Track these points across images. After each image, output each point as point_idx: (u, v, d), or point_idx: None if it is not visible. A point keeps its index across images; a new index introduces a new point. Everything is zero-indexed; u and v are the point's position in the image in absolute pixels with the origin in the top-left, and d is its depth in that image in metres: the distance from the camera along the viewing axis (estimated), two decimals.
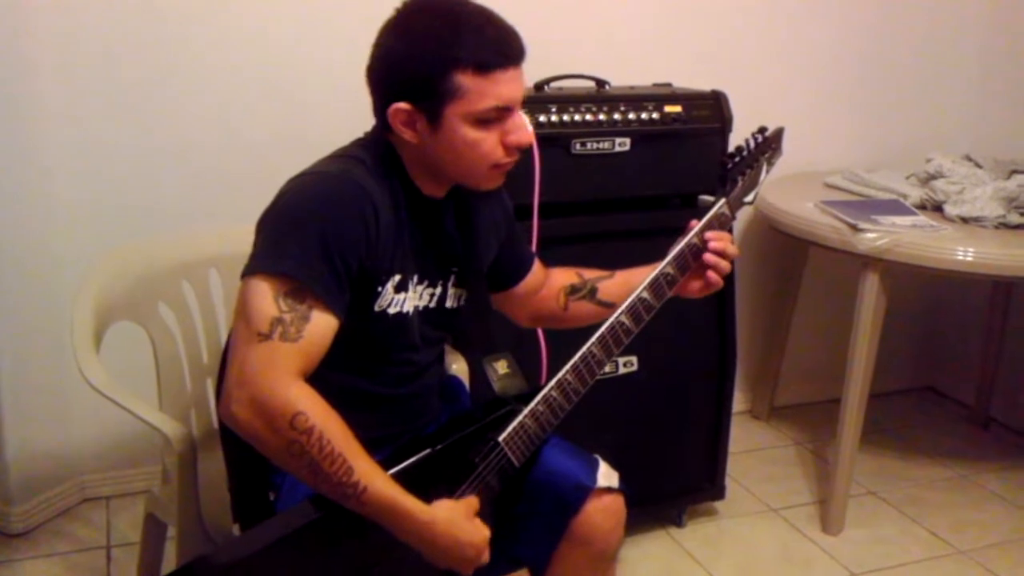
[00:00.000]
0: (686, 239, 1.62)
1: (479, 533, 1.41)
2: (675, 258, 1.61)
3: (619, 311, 1.55)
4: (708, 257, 1.62)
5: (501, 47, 1.41)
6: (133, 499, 2.58)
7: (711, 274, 1.64)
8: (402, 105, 1.42)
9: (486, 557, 1.43)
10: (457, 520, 1.38)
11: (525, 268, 1.77)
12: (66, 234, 2.44)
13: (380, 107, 1.46)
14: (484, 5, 1.45)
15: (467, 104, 1.40)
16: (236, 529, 1.56)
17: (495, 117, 1.43)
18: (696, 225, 1.63)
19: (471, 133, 1.42)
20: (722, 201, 1.66)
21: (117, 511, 2.62)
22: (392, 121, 1.43)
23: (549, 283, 1.80)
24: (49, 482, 2.57)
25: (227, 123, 2.51)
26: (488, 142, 1.44)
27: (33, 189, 2.37)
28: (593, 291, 1.75)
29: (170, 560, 1.86)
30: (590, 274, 1.79)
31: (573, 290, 1.77)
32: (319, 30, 2.52)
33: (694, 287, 1.67)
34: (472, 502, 1.43)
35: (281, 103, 2.54)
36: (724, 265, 1.64)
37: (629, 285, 1.63)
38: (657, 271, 1.59)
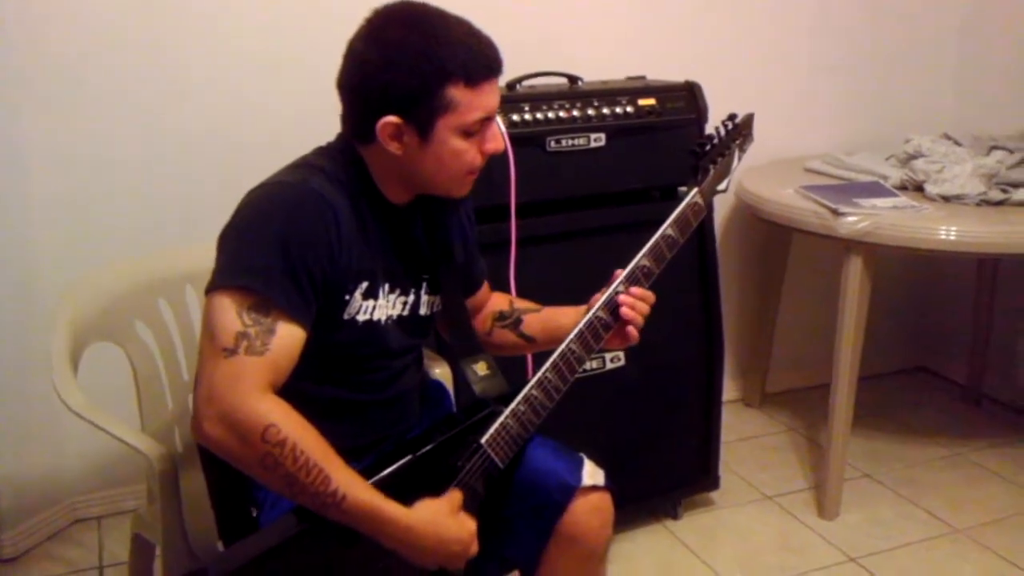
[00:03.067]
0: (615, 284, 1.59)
1: (463, 528, 1.41)
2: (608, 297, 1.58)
3: (597, 306, 1.55)
4: (625, 312, 1.57)
5: (486, 59, 1.42)
6: (124, 518, 2.54)
7: (630, 329, 1.59)
8: (391, 119, 1.41)
9: (474, 549, 1.42)
10: (439, 519, 1.38)
11: (475, 284, 1.77)
12: (50, 257, 2.42)
13: (359, 119, 1.45)
14: (458, 16, 1.44)
15: (458, 117, 1.41)
16: (221, 546, 1.55)
17: (479, 128, 1.44)
18: (618, 277, 1.59)
19: (458, 144, 1.44)
20: (695, 191, 1.65)
21: (108, 531, 2.60)
22: (380, 134, 1.42)
23: (486, 307, 1.79)
24: (39, 505, 2.55)
25: (211, 136, 2.50)
26: (471, 151, 1.46)
27: (16, 215, 2.36)
28: (517, 322, 1.74)
29: None
30: (520, 304, 1.79)
31: (501, 317, 1.76)
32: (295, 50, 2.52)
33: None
34: (454, 497, 1.42)
35: (265, 116, 2.53)
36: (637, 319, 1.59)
37: (552, 322, 1.68)
38: (608, 292, 1.58)
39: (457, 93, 1.39)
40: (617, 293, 1.56)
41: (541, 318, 1.73)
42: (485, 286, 1.80)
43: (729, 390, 3.16)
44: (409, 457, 1.44)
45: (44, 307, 2.35)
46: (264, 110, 2.53)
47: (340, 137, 1.53)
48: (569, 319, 1.62)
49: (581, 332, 1.54)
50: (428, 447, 1.46)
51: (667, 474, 2.59)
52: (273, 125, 2.49)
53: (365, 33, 1.43)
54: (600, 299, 1.57)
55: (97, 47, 2.36)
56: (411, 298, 1.57)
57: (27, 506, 2.52)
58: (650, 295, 1.60)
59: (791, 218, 2.57)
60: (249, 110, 2.52)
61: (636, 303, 1.57)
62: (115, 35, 2.37)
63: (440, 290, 1.62)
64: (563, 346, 1.53)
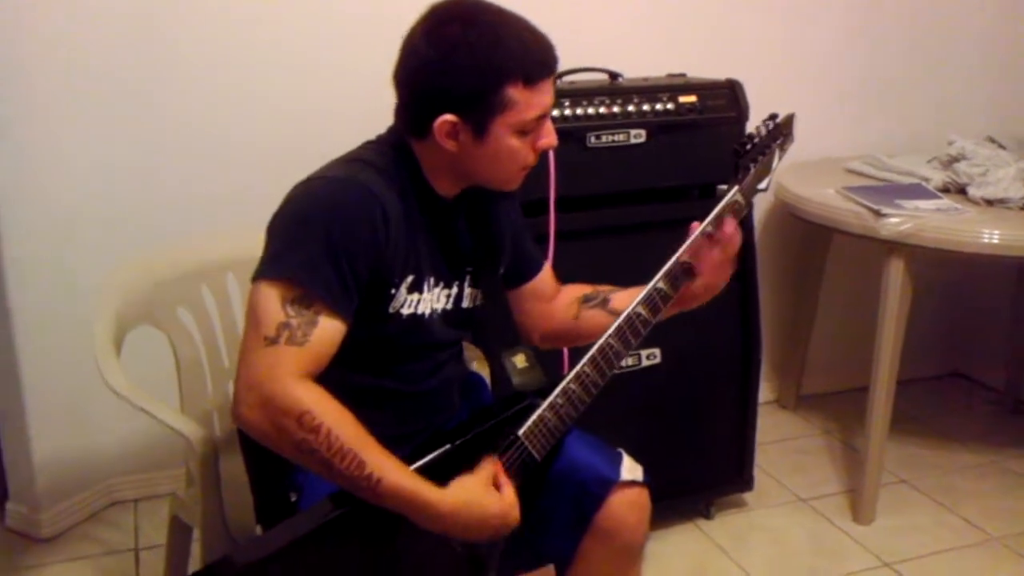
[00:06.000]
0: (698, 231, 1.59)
1: (502, 500, 1.41)
2: (689, 247, 1.59)
3: (635, 302, 1.54)
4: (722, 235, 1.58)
5: (543, 58, 1.42)
6: (160, 501, 2.59)
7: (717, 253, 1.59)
8: (448, 117, 1.41)
9: (514, 517, 1.42)
10: (473, 496, 1.38)
11: (534, 268, 1.75)
12: (87, 240, 2.46)
13: (415, 115, 1.46)
14: (515, 13, 1.44)
15: (514, 116, 1.41)
16: (259, 531, 1.57)
17: (535, 126, 1.44)
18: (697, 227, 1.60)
19: (514, 142, 1.44)
20: (735, 189, 1.64)
21: (145, 513, 2.64)
22: (436, 132, 1.43)
23: (562, 295, 1.78)
24: (76, 486, 2.59)
25: (249, 125, 2.53)
26: (525, 149, 1.46)
27: (52, 196, 2.39)
28: (605, 300, 1.72)
29: (196, 562, 1.87)
30: (603, 287, 1.77)
31: (586, 299, 1.75)
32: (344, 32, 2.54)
33: (710, 263, 1.61)
34: (487, 470, 1.42)
35: (300, 107, 2.55)
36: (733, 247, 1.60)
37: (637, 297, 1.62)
38: (671, 262, 1.58)
39: (515, 93, 1.39)
40: (657, 290, 1.56)
41: (630, 293, 1.68)
42: (548, 273, 1.78)
43: (764, 391, 3.14)
44: (447, 447, 1.45)
45: (86, 290, 2.37)
46: (321, 99, 2.55)
47: (392, 130, 1.53)
48: None
49: (620, 327, 1.53)
50: (465, 438, 1.47)
51: (700, 474, 2.58)
52: (328, 115, 2.51)
53: (423, 29, 1.42)
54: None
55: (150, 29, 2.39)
56: (454, 291, 1.57)
57: (65, 487, 2.56)
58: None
59: (831, 218, 2.55)
60: (306, 99, 2.55)
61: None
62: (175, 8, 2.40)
63: (482, 283, 1.62)
64: (601, 340, 1.52)
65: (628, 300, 1.59)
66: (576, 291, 1.78)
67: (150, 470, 2.68)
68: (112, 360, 1.70)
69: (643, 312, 1.55)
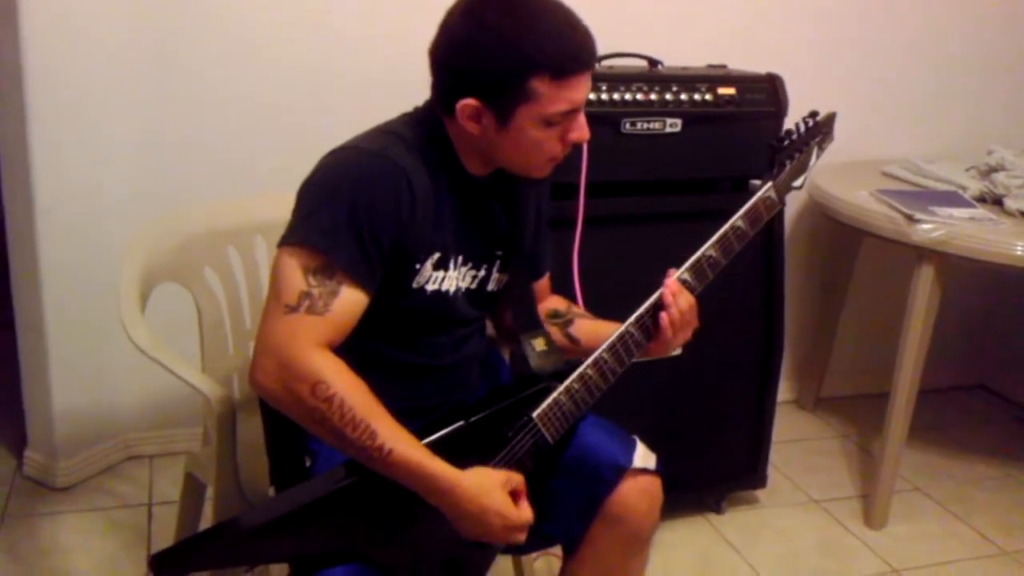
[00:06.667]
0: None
1: (512, 508, 1.40)
2: (717, 242, 1.58)
3: (660, 291, 1.53)
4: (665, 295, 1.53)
5: (578, 53, 1.40)
6: (176, 459, 2.62)
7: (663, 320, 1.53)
8: (471, 101, 1.41)
9: (518, 532, 1.41)
10: (486, 486, 1.38)
11: (538, 271, 1.74)
12: (113, 196, 2.47)
13: (443, 93, 1.45)
14: (560, 3, 1.42)
15: (539, 107, 1.40)
16: (271, 493, 1.58)
17: (563, 119, 1.43)
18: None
19: (538, 133, 1.43)
20: (769, 185, 1.63)
21: (160, 469, 2.67)
22: (459, 114, 1.42)
23: (543, 303, 1.76)
24: (94, 439, 2.62)
25: (281, 91, 2.53)
26: (551, 140, 1.45)
27: (81, 152, 2.41)
28: (568, 322, 1.71)
29: (208, 520, 1.89)
30: (577, 309, 1.76)
31: (555, 315, 1.73)
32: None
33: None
34: (514, 477, 1.42)
35: (337, 73, 2.55)
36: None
37: (603, 332, 1.56)
38: (700, 252, 1.58)
39: (541, 85, 1.38)
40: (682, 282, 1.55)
41: (594, 326, 1.68)
42: (546, 279, 1.78)
43: (783, 391, 3.12)
44: (460, 423, 1.45)
45: (112, 244, 2.40)
46: (354, 67, 2.55)
47: (427, 105, 1.53)
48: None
49: (641, 316, 1.53)
50: (480, 415, 1.47)
51: (714, 468, 2.58)
52: (361, 83, 2.52)
53: (463, 8, 1.42)
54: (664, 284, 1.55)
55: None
56: (482, 273, 1.57)
57: (83, 439, 2.59)
58: (690, 300, 1.55)
59: (864, 220, 2.53)
60: (339, 67, 2.55)
61: (679, 294, 1.53)
62: None
63: (509, 268, 1.61)
64: (623, 328, 1.52)
65: (591, 329, 1.61)
66: (553, 303, 1.77)
67: (168, 427, 2.71)
68: (136, 316, 1.71)
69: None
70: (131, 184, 2.48)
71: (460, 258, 1.52)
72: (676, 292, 1.53)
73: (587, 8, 1.46)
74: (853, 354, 3.31)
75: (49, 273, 2.43)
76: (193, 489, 1.91)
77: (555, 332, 1.70)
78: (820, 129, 1.74)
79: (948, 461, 3.01)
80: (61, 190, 2.39)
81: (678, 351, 1.60)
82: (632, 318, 1.53)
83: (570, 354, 1.68)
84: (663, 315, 1.52)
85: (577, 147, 1.52)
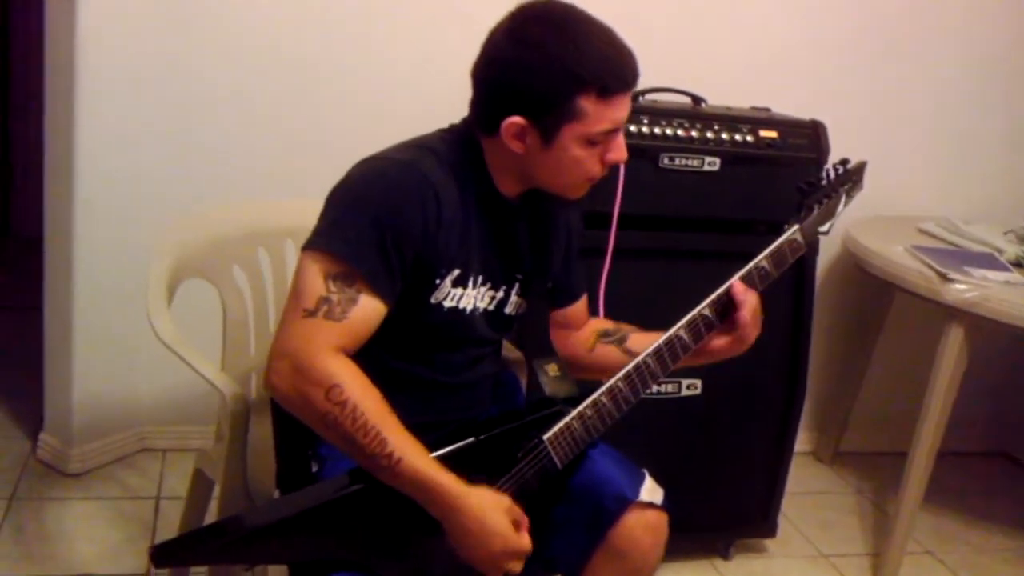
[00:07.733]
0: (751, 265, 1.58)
1: (514, 534, 1.38)
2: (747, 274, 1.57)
3: (679, 324, 1.53)
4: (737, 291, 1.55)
5: (623, 72, 1.41)
6: (188, 455, 2.59)
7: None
8: (517, 119, 1.41)
9: (515, 566, 1.40)
10: (491, 505, 1.37)
11: (572, 296, 1.73)
12: (144, 189, 2.50)
13: (486, 111, 1.46)
14: (603, 23, 1.43)
15: (584, 126, 1.40)
16: (277, 495, 1.58)
17: (604, 139, 1.44)
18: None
19: (580, 152, 1.43)
20: (796, 228, 1.62)
21: (171, 464, 2.68)
22: (504, 132, 1.43)
23: (586, 327, 1.76)
24: (110, 428, 2.64)
25: (319, 97, 2.56)
26: (592, 160, 1.45)
27: (112, 143, 2.44)
28: (623, 338, 1.70)
29: (213, 517, 1.89)
30: (625, 325, 1.75)
31: (605, 334, 1.73)
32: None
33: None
34: (516, 508, 1.41)
35: (373, 83, 2.58)
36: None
37: (655, 341, 1.56)
38: (723, 288, 1.56)
39: (588, 104, 1.39)
40: (701, 315, 1.54)
41: (648, 337, 1.65)
42: (583, 301, 1.77)
43: (801, 441, 3.08)
44: (471, 440, 1.45)
45: (142, 237, 2.41)
46: (406, 77, 2.57)
47: (464, 122, 1.53)
48: None
49: (658, 348, 1.52)
50: (491, 433, 1.46)
51: (724, 512, 2.55)
52: (408, 94, 2.54)
53: (507, 27, 1.43)
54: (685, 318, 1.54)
55: None
56: (500, 295, 1.57)
57: (100, 427, 2.61)
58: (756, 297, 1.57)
59: (897, 275, 2.51)
60: (390, 76, 2.57)
61: (748, 291, 1.55)
62: None
63: (530, 293, 1.61)
64: (639, 359, 1.51)
65: (646, 342, 1.57)
66: (598, 324, 1.77)
67: (184, 423, 2.72)
68: (162, 308, 1.72)
69: (685, 336, 1.53)
70: (171, 172, 2.51)
71: (480, 277, 1.52)
72: (744, 290, 1.54)
73: (636, 41, 1.45)
74: (876, 410, 3.27)
75: (82, 261, 2.46)
76: (201, 485, 1.92)
77: (612, 352, 1.70)
78: (850, 176, 1.73)
79: (964, 527, 2.95)
80: (104, 177, 2.42)
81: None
82: (650, 349, 1.52)
83: None
84: (740, 313, 1.53)
85: (613, 177, 1.52)
